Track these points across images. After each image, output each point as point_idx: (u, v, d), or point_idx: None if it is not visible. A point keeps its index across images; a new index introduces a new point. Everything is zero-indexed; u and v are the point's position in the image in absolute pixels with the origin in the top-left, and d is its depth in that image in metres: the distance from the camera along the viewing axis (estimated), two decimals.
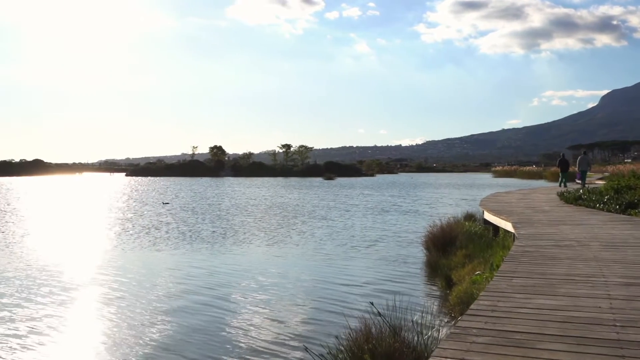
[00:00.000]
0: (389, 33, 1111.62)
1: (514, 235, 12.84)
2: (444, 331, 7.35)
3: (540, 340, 4.56)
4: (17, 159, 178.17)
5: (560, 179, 34.03)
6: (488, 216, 17.83)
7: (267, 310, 11.27)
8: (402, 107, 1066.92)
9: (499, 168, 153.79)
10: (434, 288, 12.59)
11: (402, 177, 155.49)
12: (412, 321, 7.74)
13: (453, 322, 5.66)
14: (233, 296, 12.58)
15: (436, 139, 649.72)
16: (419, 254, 17.15)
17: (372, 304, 7.95)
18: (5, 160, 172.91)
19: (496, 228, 16.77)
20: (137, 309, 11.45)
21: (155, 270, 15.87)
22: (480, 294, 6.24)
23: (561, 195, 22.25)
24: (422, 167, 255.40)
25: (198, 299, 12.35)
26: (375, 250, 18.99)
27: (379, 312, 7.24)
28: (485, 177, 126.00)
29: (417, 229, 24.27)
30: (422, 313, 8.63)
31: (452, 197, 53.83)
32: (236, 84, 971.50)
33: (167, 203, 43.85)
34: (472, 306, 5.72)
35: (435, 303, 11.28)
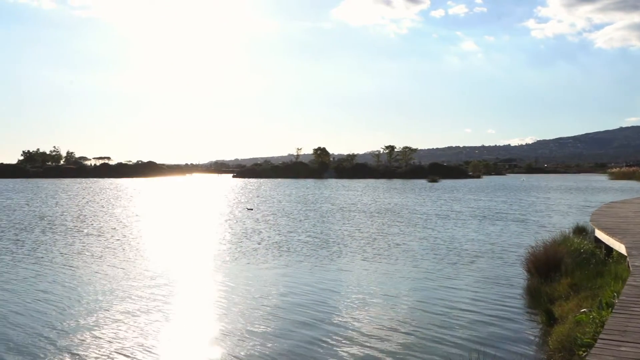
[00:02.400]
0: (497, 30, 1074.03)
1: (628, 260, 11.31)
2: None
3: None
4: (134, 161, 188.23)
5: None
6: (599, 234, 16.12)
7: (357, 334, 10.90)
8: (511, 105, 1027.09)
9: (616, 169, 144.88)
10: (533, 323, 11.23)
11: (511, 179, 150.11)
12: None
13: None
14: (324, 316, 12.24)
15: (547, 138, 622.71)
16: (521, 276, 15.70)
17: None
18: (121, 163, 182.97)
19: (609, 247, 15.07)
20: (232, 326, 11.37)
21: (245, 285, 15.41)
22: None
23: None
24: (532, 168, 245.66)
25: (291, 317, 12.16)
26: (475, 269, 17.69)
27: None
28: (601, 180, 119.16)
29: (523, 243, 22.67)
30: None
31: (564, 203, 50.81)
32: (341, 85, 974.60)
33: (251, 209, 43.85)
34: None
35: (533, 344, 9.98)
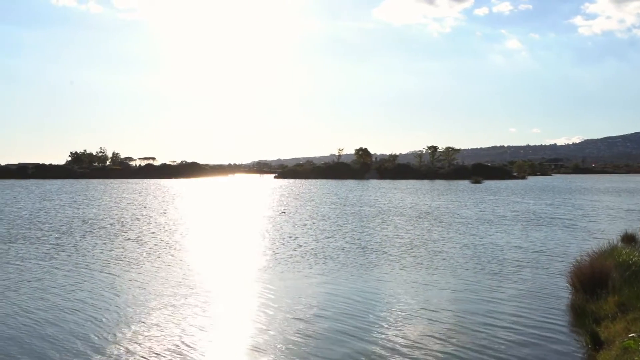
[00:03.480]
0: (543, 27, 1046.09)
1: None
2: None
3: None
4: (178, 161, 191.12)
5: None
6: None
7: (394, 348, 10.76)
8: (557, 104, 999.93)
9: None
10: (577, 345, 10.61)
11: (557, 179, 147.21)
12: None
13: None
14: (360, 329, 12.08)
15: (595, 137, 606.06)
16: (566, 290, 14.97)
17: None
18: (165, 163, 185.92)
19: None
20: (267, 339, 11.38)
21: (280, 296, 15.18)
22: None
23: None
24: (579, 169, 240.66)
25: (326, 330, 12.06)
26: (518, 280, 17.06)
27: None
28: None
29: (569, 251, 21.97)
30: None
31: (613, 206, 49.34)
32: (383, 85, 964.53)
33: (284, 212, 43.77)
34: None
35: None
